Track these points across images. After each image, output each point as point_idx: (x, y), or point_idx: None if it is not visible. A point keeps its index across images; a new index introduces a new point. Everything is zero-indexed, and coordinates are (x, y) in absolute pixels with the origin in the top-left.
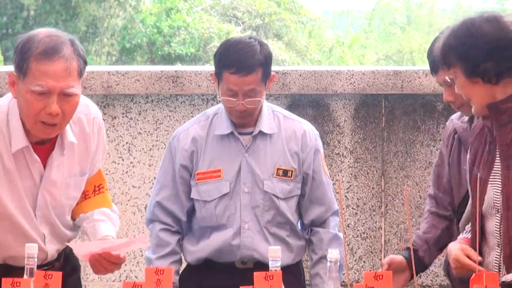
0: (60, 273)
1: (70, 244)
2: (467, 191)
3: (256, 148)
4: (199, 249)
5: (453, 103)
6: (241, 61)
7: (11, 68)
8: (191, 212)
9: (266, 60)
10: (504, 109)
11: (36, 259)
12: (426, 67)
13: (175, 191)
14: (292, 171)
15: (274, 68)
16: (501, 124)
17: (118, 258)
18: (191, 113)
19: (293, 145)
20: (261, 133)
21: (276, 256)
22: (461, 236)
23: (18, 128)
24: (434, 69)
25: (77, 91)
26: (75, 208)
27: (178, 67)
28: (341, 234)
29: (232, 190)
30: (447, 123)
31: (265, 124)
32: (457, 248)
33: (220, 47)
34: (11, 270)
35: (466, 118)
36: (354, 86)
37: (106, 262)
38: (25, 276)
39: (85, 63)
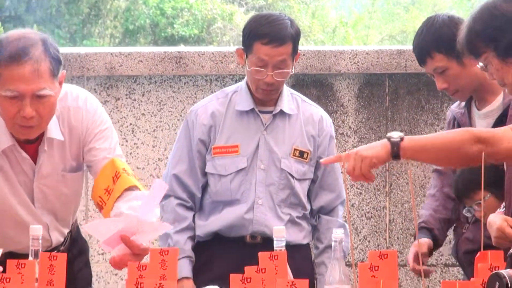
0: (65, 255)
1: (88, 230)
2: None
3: (275, 127)
4: (209, 223)
5: (447, 89)
6: (274, 32)
7: None
8: (203, 188)
9: (296, 35)
10: None
11: (40, 241)
12: None
13: (192, 165)
14: (308, 153)
15: None
16: None
17: (139, 248)
18: (195, 94)
19: (310, 128)
20: (281, 112)
21: (280, 236)
22: (498, 210)
23: (2, 127)
24: (422, 60)
25: (50, 92)
26: (105, 208)
27: (181, 48)
28: (346, 224)
29: (248, 165)
30: (447, 113)
31: (286, 104)
32: (501, 219)
33: (250, 20)
34: (17, 257)
35: (463, 104)
36: (358, 65)
37: (128, 255)
38: (30, 258)
39: (59, 62)
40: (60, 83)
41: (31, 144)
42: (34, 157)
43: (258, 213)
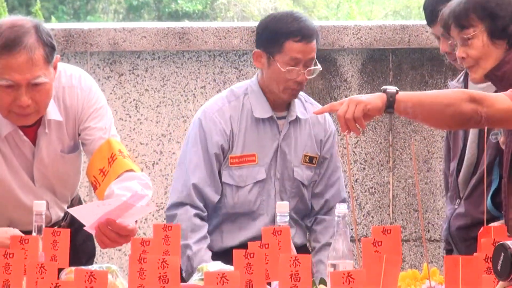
0: (68, 230)
1: (74, 214)
2: (462, 148)
3: (289, 134)
4: (226, 238)
5: (449, 54)
6: (305, 28)
7: None
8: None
9: (318, 31)
10: (501, 75)
11: (44, 217)
12: None
13: (210, 172)
14: (316, 158)
15: None
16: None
17: (126, 229)
18: (198, 69)
19: (317, 131)
20: (298, 118)
21: (284, 211)
22: None
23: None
24: (432, 21)
25: (45, 79)
26: (99, 189)
27: (185, 23)
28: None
29: (267, 176)
30: (447, 88)
31: (298, 108)
32: None
33: (271, 21)
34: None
35: (461, 79)
36: (361, 41)
37: (114, 235)
38: (33, 234)
39: (53, 48)
40: (55, 68)
41: (31, 127)
42: (34, 140)
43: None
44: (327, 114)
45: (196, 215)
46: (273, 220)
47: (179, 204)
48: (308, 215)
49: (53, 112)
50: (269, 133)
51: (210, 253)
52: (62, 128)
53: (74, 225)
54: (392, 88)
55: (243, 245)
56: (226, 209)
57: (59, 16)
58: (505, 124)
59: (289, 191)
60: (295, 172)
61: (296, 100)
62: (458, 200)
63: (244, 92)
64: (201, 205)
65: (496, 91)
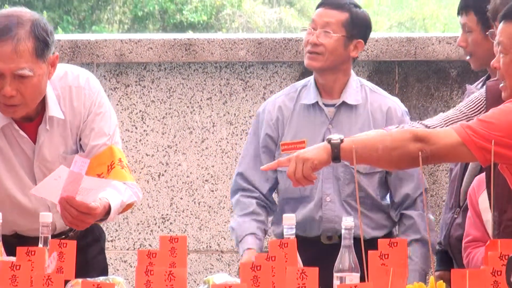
0: (74, 242)
1: (38, 194)
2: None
3: (340, 120)
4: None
5: (465, 49)
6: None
7: None
8: (275, 187)
9: (352, 14)
10: None
11: (50, 228)
12: (439, 33)
13: (257, 161)
14: None
15: (285, 35)
16: None
17: (85, 206)
18: (204, 80)
19: (378, 121)
20: (345, 104)
21: (290, 223)
22: None
23: None
24: (458, 11)
25: (29, 73)
26: None
27: (191, 34)
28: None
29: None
30: (465, 92)
31: (350, 95)
32: None
33: None
34: (23, 239)
35: (480, 85)
36: (367, 53)
37: (74, 211)
38: (39, 245)
39: (46, 43)
40: (53, 65)
41: (30, 122)
42: (34, 137)
43: (326, 211)
44: (394, 105)
45: (243, 196)
46: (319, 205)
47: (233, 193)
48: (378, 207)
49: (55, 109)
50: (318, 119)
51: (255, 224)
52: (65, 128)
53: (86, 239)
54: (336, 138)
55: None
56: (281, 195)
57: (64, 27)
58: (452, 159)
59: (343, 177)
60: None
61: (354, 87)
62: (457, 209)
63: (304, 84)
64: (249, 187)
65: None
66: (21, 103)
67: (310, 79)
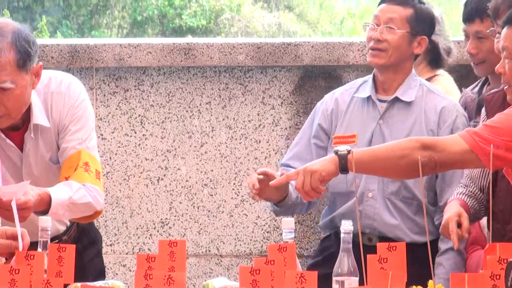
0: (73, 246)
1: None
2: None
3: (391, 116)
4: (325, 215)
5: (474, 56)
6: None
7: None
8: None
9: (416, 9)
10: None
11: (49, 232)
12: None
13: (303, 149)
14: None
15: (285, 39)
16: None
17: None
18: (203, 85)
19: (430, 120)
20: (398, 100)
21: (289, 227)
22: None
23: None
24: (470, 18)
25: (11, 85)
26: None
27: (190, 39)
28: None
29: None
30: (461, 95)
31: (405, 92)
32: (455, 211)
33: None
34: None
35: (476, 89)
36: (366, 57)
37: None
38: (39, 249)
39: (28, 54)
40: (37, 75)
41: (17, 131)
42: (21, 145)
43: (367, 206)
44: (449, 105)
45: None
46: (360, 200)
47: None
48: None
49: (40, 117)
50: (370, 113)
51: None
52: (50, 135)
53: (82, 242)
54: (343, 150)
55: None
56: (330, 189)
57: (63, 31)
58: (461, 166)
59: None
60: None
61: (411, 84)
62: None
63: (365, 80)
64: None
65: None
66: (4, 115)
67: (371, 75)
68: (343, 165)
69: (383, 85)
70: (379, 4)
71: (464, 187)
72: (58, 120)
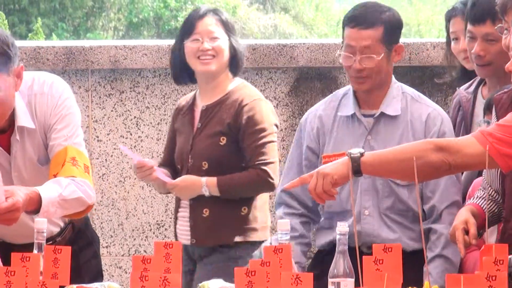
0: (69, 248)
1: None
2: None
3: (379, 131)
4: (323, 235)
5: (481, 58)
6: (361, 14)
7: (17, 43)
8: None
9: (385, 24)
10: None
11: (45, 234)
12: (434, 39)
13: (300, 174)
14: None
15: (280, 41)
16: None
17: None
18: None
19: (417, 130)
20: (384, 115)
21: (285, 229)
22: (473, 201)
23: None
24: (481, 19)
25: None
26: None
27: None
28: None
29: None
30: (454, 94)
31: (390, 105)
32: (463, 219)
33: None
34: (10, 247)
35: (472, 89)
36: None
37: None
38: (34, 251)
39: (8, 57)
40: (19, 76)
41: (3, 134)
42: (8, 149)
43: (365, 224)
44: (434, 113)
45: (287, 213)
46: (358, 219)
47: (277, 205)
48: (416, 219)
49: (24, 119)
50: (357, 130)
51: (299, 251)
52: (36, 136)
53: (78, 243)
54: (356, 152)
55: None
56: (325, 209)
57: (59, 33)
58: (475, 167)
59: (381, 190)
60: None
61: (394, 95)
62: None
63: (344, 92)
64: (294, 203)
65: None
66: None
67: (350, 87)
68: (356, 168)
69: (367, 101)
70: (346, 26)
71: (482, 190)
72: (43, 120)
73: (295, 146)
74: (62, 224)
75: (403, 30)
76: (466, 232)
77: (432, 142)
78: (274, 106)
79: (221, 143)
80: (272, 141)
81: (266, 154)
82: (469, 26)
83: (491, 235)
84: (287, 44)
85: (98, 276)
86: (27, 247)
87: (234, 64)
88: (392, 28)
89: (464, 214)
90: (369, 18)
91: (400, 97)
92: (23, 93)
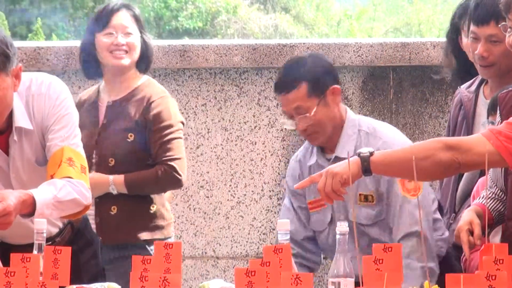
0: (69, 248)
1: None
2: None
3: None
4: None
5: (484, 59)
6: (279, 80)
7: (18, 43)
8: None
9: (308, 79)
10: None
11: (45, 234)
12: (434, 38)
13: (297, 219)
14: (372, 195)
15: (281, 41)
16: None
17: None
18: (199, 87)
19: None
20: (338, 158)
21: (285, 229)
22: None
23: None
24: (485, 20)
25: None
26: None
27: (186, 41)
28: (417, 264)
29: (333, 218)
30: (455, 93)
31: (343, 148)
32: (467, 220)
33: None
34: (10, 248)
35: (473, 87)
36: (362, 58)
37: None
38: (34, 252)
39: (7, 57)
40: (17, 77)
41: (1, 135)
42: (6, 150)
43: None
44: (384, 144)
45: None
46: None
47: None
48: None
49: (22, 120)
50: None
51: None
52: (33, 137)
53: (78, 243)
54: (365, 152)
55: None
56: (321, 246)
57: (59, 34)
58: (484, 166)
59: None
60: (349, 213)
61: (348, 136)
62: (453, 214)
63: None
64: (299, 250)
65: None
66: None
67: None
68: (366, 167)
69: (326, 147)
70: (275, 92)
71: (488, 190)
72: (41, 121)
73: (288, 191)
74: (60, 225)
75: (403, 30)
76: (471, 232)
77: (441, 141)
78: (274, 106)
79: (128, 140)
80: (179, 138)
81: (172, 150)
82: (472, 27)
83: (496, 234)
84: (287, 44)
85: (98, 276)
86: (27, 248)
87: (144, 61)
88: (316, 78)
89: (468, 215)
90: (288, 81)
91: (356, 135)
92: (21, 94)
